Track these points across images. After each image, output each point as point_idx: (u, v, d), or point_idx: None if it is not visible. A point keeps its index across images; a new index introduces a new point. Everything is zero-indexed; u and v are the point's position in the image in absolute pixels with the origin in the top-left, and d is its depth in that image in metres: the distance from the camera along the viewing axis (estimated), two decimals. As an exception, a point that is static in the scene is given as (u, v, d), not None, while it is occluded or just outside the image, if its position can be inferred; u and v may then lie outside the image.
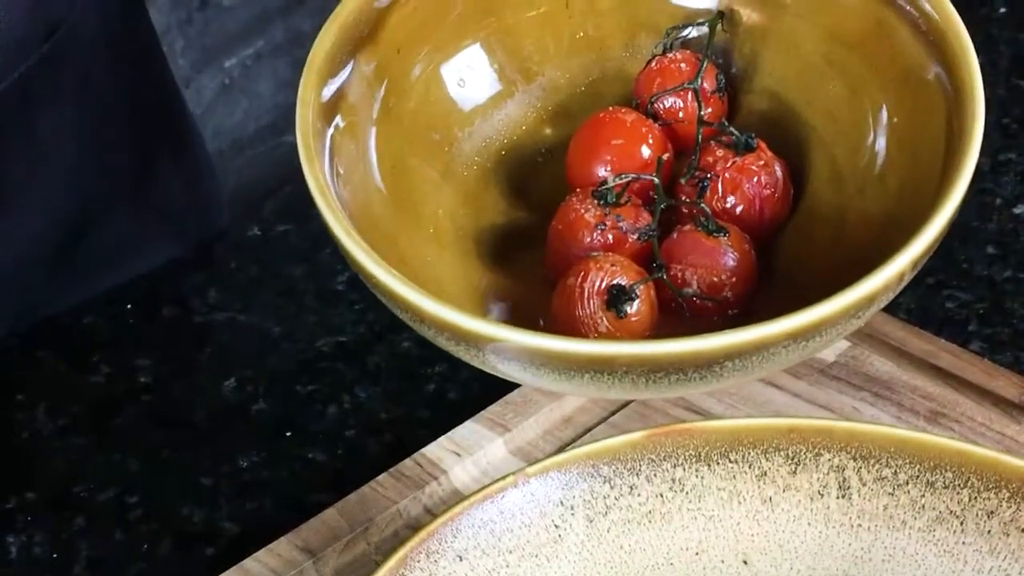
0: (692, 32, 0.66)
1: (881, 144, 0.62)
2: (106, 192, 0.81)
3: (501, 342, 0.54)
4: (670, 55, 0.65)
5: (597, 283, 0.58)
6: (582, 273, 0.59)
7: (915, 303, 0.71)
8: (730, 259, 0.60)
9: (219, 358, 0.74)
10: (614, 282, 0.59)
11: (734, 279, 0.60)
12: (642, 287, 0.59)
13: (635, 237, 0.61)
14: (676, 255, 0.60)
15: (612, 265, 0.59)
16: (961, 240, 0.75)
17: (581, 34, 0.68)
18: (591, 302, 0.58)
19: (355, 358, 0.73)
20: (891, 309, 0.70)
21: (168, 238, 0.84)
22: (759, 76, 0.66)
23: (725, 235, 0.60)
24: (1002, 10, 0.91)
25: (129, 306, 0.77)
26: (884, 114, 0.62)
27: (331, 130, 0.61)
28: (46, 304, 0.77)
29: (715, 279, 0.60)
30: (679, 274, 0.60)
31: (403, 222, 0.62)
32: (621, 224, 0.61)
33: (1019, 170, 0.79)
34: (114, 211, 0.81)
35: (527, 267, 0.63)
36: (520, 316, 0.61)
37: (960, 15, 0.60)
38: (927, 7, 0.60)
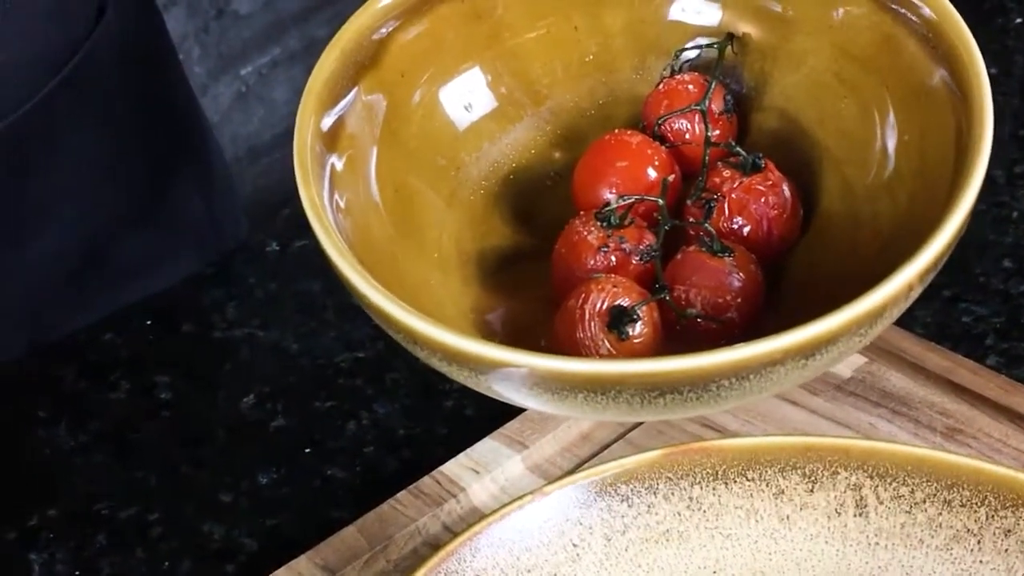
0: (701, 54, 0.66)
1: (892, 160, 0.62)
2: (126, 209, 0.81)
3: (487, 361, 0.53)
4: (678, 77, 0.65)
5: (598, 304, 0.57)
6: (583, 295, 0.58)
7: (931, 318, 0.72)
8: (735, 280, 0.59)
9: (238, 374, 0.74)
10: (615, 303, 0.57)
11: (739, 300, 0.59)
12: (644, 308, 0.58)
13: (637, 258, 0.60)
14: (680, 276, 0.60)
15: (614, 286, 0.58)
16: (977, 254, 0.75)
17: (590, 57, 0.67)
18: (592, 324, 0.57)
19: (373, 374, 0.73)
20: (907, 324, 0.70)
21: (188, 253, 0.84)
22: (769, 96, 0.66)
23: (730, 255, 0.59)
24: (1017, 20, 0.91)
25: (148, 322, 0.77)
26: (895, 130, 0.62)
27: (330, 153, 0.60)
28: (67, 321, 0.78)
29: (720, 300, 0.59)
30: (683, 295, 0.59)
31: (405, 246, 0.62)
32: (624, 246, 0.60)
33: (1035, 183, 0.79)
34: (134, 227, 0.82)
35: (533, 292, 0.63)
36: (523, 340, 0.60)
37: (975, 26, 0.60)
38: (933, 17, 0.60)
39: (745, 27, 0.66)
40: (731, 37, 0.66)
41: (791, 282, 0.62)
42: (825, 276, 0.61)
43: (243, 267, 0.81)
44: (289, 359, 0.75)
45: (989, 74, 0.86)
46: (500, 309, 0.63)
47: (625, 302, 0.58)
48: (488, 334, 0.62)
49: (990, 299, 0.73)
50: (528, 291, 0.63)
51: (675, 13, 0.67)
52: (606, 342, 0.58)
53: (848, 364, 0.67)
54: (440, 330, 0.54)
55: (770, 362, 0.52)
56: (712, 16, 0.67)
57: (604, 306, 0.58)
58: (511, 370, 0.53)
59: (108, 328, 0.77)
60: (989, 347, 0.70)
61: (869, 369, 0.67)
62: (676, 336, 0.59)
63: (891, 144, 0.62)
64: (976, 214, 0.77)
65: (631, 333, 0.58)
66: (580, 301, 0.58)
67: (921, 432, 0.65)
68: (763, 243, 0.62)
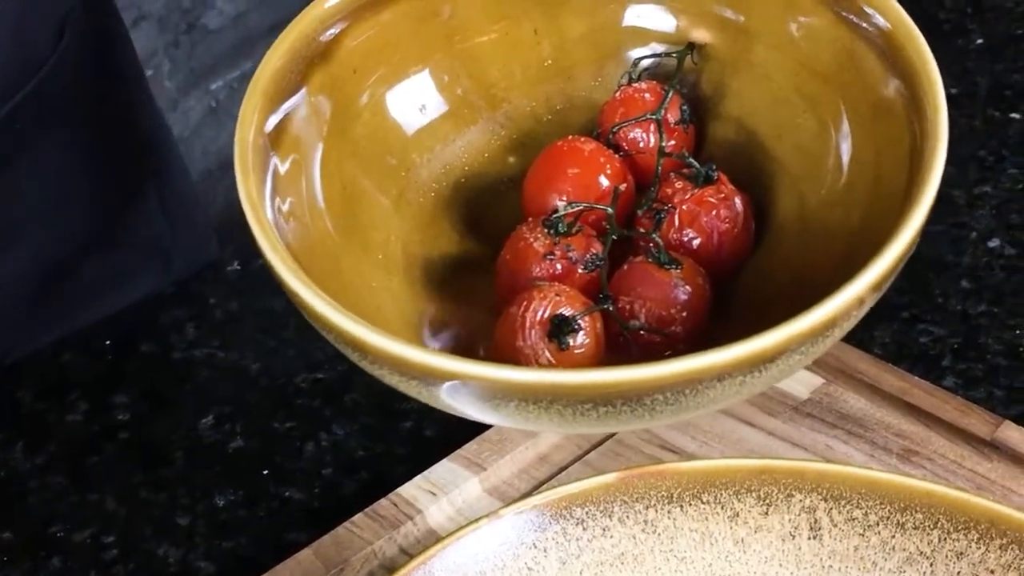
0: (661, 62, 0.66)
1: (846, 177, 0.61)
2: (90, 228, 0.81)
3: (414, 364, 0.51)
4: (635, 85, 0.64)
5: (540, 312, 0.56)
6: (525, 302, 0.57)
7: (889, 338, 0.72)
8: (681, 292, 0.58)
9: (197, 395, 0.74)
10: (558, 312, 0.56)
11: (685, 313, 0.58)
12: (587, 318, 0.57)
13: (583, 267, 0.59)
14: (626, 287, 0.59)
15: (557, 295, 0.57)
16: (936, 274, 0.75)
17: (549, 62, 0.66)
18: (533, 332, 0.56)
19: (333, 395, 0.73)
20: (865, 345, 0.70)
21: (152, 272, 0.84)
22: (727, 107, 0.65)
23: (677, 268, 0.58)
24: (978, 41, 0.91)
25: (108, 343, 0.77)
26: (851, 147, 0.61)
27: (275, 151, 0.59)
28: (26, 341, 0.77)
29: (664, 312, 0.58)
30: (627, 306, 0.58)
31: (349, 247, 0.61)
32: (571, 254, 0.59)
33: (994, 203, 0.79)
34: (98, 248, 0.81)
35: (477, 299, 0.61)
36: (465, 347, 0.59)
37: (935, 47, 0.60)
38: (888, 26, 0.59)
39: (704, 36, 0.65)
40: (691, 47, 0.65)
41: (742, 298, 0.61)
42: (776, 293, 0.60)
43: (203, 286, 0.80)
44: (248, 379, 0.74)
45: (950, 95, 0.87)
46: (443, 315, 0.62)
47: (567, 311, 0.57)
48: (429, 340, 0.60)
49: (948, 320, 0.73)
50: (473, 297, 0.62)
51: (631, 19, 0.67)
52: (546, 351, 0.57)
53: (806, 385, 0.67)
54: (367, 329, 0.52)
55: (706, 378, 0.50)
56: (667, 23, 0.66)
57: (546, 314, 0.57)
58: (438, 374, 0.51)
59: (67, 349, 0.76)
60: (946, 368, 0.70)
61: (826, 391, 0.67)
62: (619, 348, 0.58)
63: (846, 160, 0.62)
64: (935, 235, 0.77)
65: (572, 343, 0.56)
66: (522, 309, 0.57)
67: (877, 453, 0.65)
68: (713, 256, 0.61)
